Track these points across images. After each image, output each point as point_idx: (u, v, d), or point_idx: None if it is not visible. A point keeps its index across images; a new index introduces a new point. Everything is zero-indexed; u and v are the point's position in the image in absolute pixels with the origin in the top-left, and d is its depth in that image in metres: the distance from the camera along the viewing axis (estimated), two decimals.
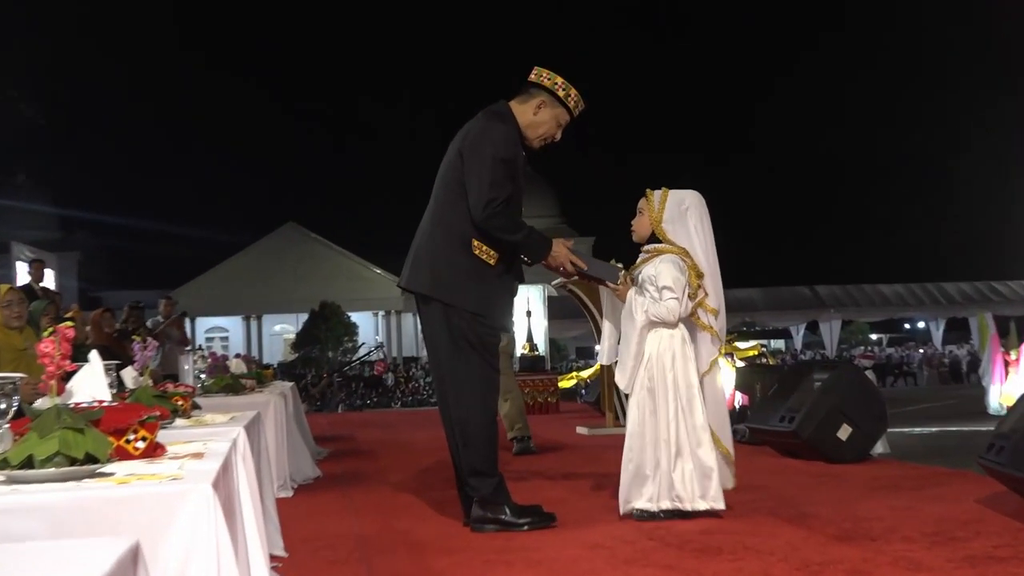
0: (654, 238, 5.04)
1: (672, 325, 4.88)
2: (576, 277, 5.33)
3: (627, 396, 5.06)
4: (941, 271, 53.79)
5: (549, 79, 4.92)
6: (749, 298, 47.53)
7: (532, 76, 4.96)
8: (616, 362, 5.09)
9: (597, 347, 5.87)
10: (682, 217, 5.01)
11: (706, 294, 5.00)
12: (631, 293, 4.93)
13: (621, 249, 5.57)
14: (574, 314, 15.14)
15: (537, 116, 4.93)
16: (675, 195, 5.06)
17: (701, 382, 4.94)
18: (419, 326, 5.12)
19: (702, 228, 5.04)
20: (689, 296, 4.91)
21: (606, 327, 5.37)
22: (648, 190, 5.09)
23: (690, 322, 5.00)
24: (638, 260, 5.09)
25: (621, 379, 4.96)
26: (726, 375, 8.16)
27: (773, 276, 53.84)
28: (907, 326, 61.69)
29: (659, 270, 4.88)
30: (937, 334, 49.98)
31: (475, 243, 4.75)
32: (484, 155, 4.71)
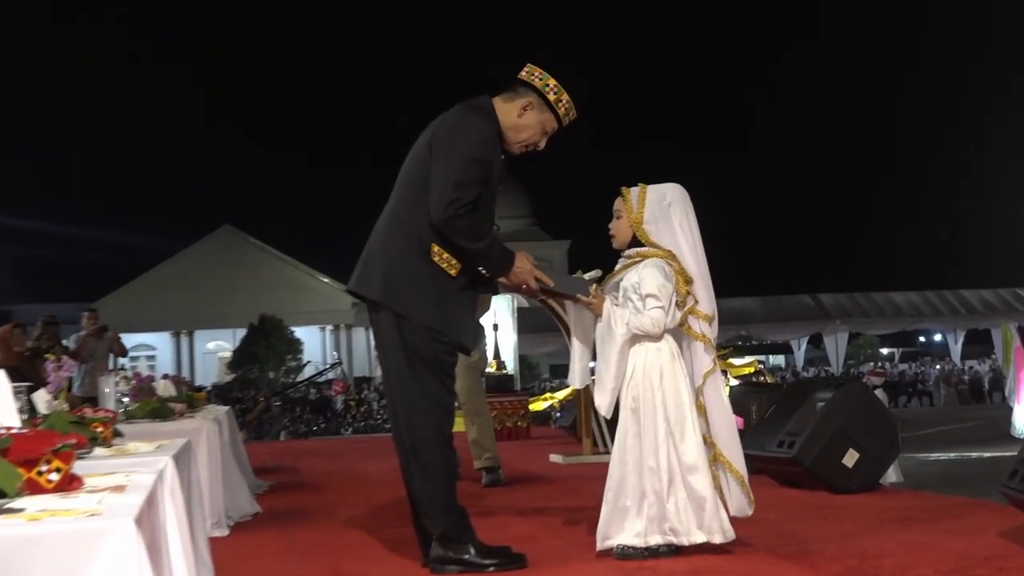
0: (636, 242, 5.02)
1: (657, 338, 4.87)
2: (542, 296, 5.32)
3: (607, 420, 5.04)
4: (960, 277, 54.17)
5: (541, 79, 4.88)
6: (745, 308, 47.58)
7: (523, 74, 4.93)
8: (593, 382, 5.06)
9: None
10: (665, 215, 4.99)
11: (696, 301, 4.99)
12: (607, 304, 4.92)
13: (601, 255, 5.55)
14: (547, 328, 15.15)
15: (522, 119, 4.89)
16: (655, 191, 5.04)
17: (701, 395, 4.94)
18: (372, 340, 5.09)
19: (688, 225, 5.02)
20: (677, 304, 4.90)
21: (576, 347, 5.31)
22: (624, 188, 5.07)
23: (679, 333, 4.99)
24: (617, 267, 5.08)
25: (601, 402, 4.93)
26: None
27: (772, 284, 54.22)
28: (922, 339, 62.26)
29: (642, 276, 4.86)
30: (955, 348, 50.25)
31: (435, 248, 4.69)
32: (455, 151, 4.67)
